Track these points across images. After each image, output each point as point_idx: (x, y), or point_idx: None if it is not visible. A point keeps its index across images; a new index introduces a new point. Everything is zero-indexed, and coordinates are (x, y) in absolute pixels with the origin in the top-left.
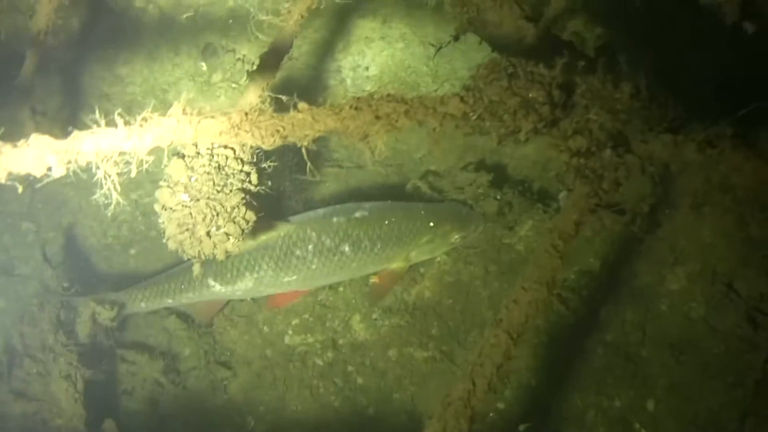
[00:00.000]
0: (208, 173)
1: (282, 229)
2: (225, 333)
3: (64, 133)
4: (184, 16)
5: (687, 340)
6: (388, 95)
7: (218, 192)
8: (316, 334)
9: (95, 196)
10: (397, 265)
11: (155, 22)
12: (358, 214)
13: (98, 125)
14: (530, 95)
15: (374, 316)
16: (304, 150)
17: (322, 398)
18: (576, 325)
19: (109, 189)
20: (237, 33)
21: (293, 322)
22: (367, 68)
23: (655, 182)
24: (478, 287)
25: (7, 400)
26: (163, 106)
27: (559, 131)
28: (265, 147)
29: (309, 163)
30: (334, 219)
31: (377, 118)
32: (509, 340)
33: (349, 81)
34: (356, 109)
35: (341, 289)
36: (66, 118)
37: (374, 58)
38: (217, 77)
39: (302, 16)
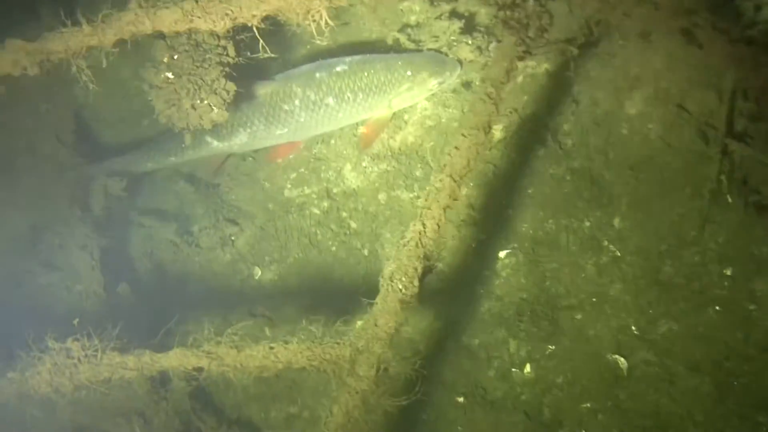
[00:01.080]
0: (188, 51)
1: (269, 87)
2: (231, 191)
3: None
4: None
5: (646, 159)
6: None
7: (198, 67)
8: (312, 186)
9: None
10: (380, 113)
11: None
12: (339, 68)
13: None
14: None
15: (364, 164)
16: (255, 30)
17: (320, 244)
18: (545, 156)
19: (85, 81)
20: None
21: (291, 176)
22: None
23: (583, 25)
24: (455, 128)
25: (36, 271)
26: None
27: None
28: (218, 30)
29: (261, 40)
30: (317, 74)
31: None
32: (453, 183)
33: None
34: None
35: (333, 141)
36: None
37: None
38: None
39: None
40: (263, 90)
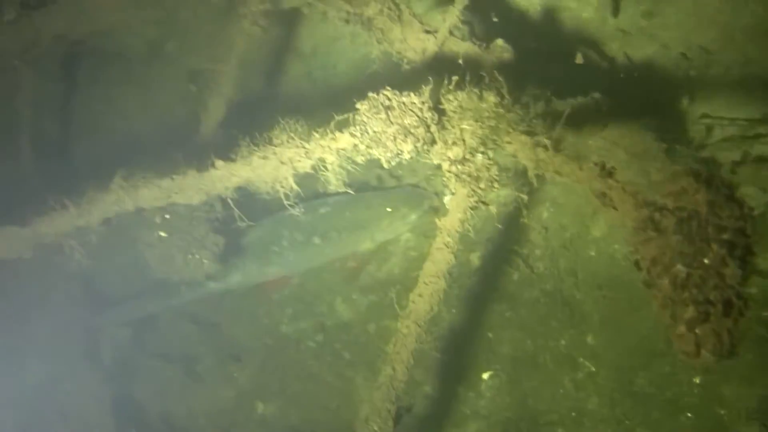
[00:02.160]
0: (178, 210)
1: (258, 230)
2: (232, 329)
3: None
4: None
5: (613, 278)
6: (292, 138)
7: (188, 224)
8: (307, 320)
9: None
10: (365, 246)
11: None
12: (322, 210)
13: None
14: (405, 122)
15: (354, 296)
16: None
17: (317, 376)
18: (520, 280)
19: (78, 259)
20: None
21: (287, 312)
22: None
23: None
24: None
25: (52, 420)
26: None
27: (441, 143)
28: (194, 203)
29: (236, 210)
30: (302, 218)
31: (282, 163)
32: (418, 328)
33: None
34: (264, 158)
35: (324, 275)
36: None
37: None
38: None
39: None
40: (253, 234)
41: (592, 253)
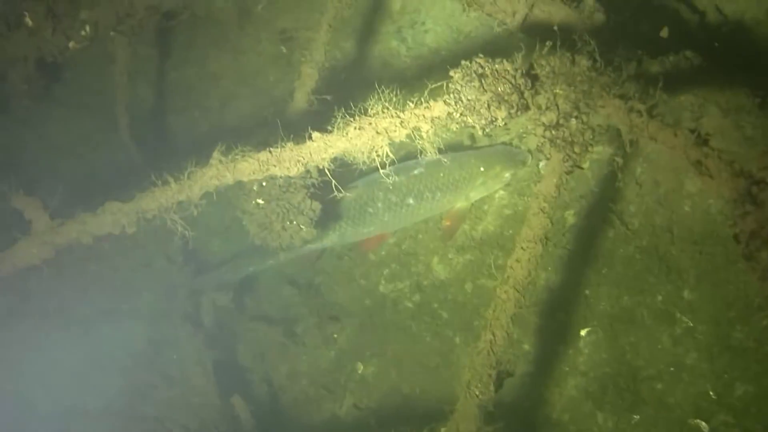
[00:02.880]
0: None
1: (353, 191)
2: (330, 290)
3: None
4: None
5: (709, 233)
6: (387, 108)
7: (285, 192)
8: (404, 280)
9: None
10: (460, 204)
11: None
12: (416, 172)
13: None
14: (499, 89)
15: (450, 255)
16: (327, 172)
17: (415, 336)
18: (615, 237)
19: (181, 232)
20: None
21: (384, 272)
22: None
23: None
24: None
25: (158, 384)
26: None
27: (535, 109)
28: (292, 175)
29: (333, 181)
30: (396, 178)
31: (378, 133)
32: (517, 294)
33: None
34: (360, 128)
35: (420, 236)
36: None
37: None
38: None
39: None
40: (349, 195)
41: (687, 209)
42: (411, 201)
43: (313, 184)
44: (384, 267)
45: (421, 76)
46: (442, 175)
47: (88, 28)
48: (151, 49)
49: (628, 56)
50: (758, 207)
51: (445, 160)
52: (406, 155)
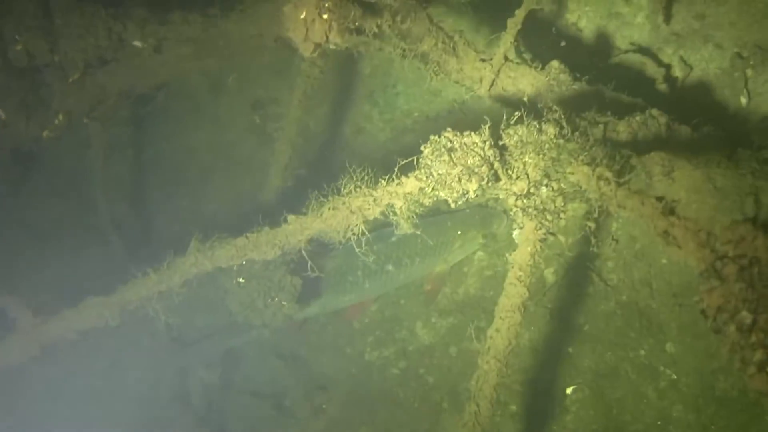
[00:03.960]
0: None
1: (333, 262)
2: (317, 361)
3: None
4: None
5: (687, 285)
6: (360, 187)
7: (265, 269)
8: (389, 347)
9: None
10: (439, 268)
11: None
12: (394, 239)
13: None
14: (469, 162)
15: (433, 319)
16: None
17: (403, 403)
18: (595, 293)
19: (164, 321)
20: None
21: (369, 340)
22: None
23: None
24: None
25: None
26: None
27: (506, 180)
28: (269, 258)
29: (309, 262)
30: (374, 247)
31: (352, 212)
32: (499, 364)
33: None
34: (334, 209)
35: (402, 301)
36: None
37: None
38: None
39: None
40: (329, 265)
41: (664, 261)
42: (390, 268)
43: (293, 260)
44: (368, 334)
45: (395, 139)
46: (419, 240)
47: (61, 116)
48: (125, 127)
49: (595, 119)
50: (723, 282)
51: (421, 223)
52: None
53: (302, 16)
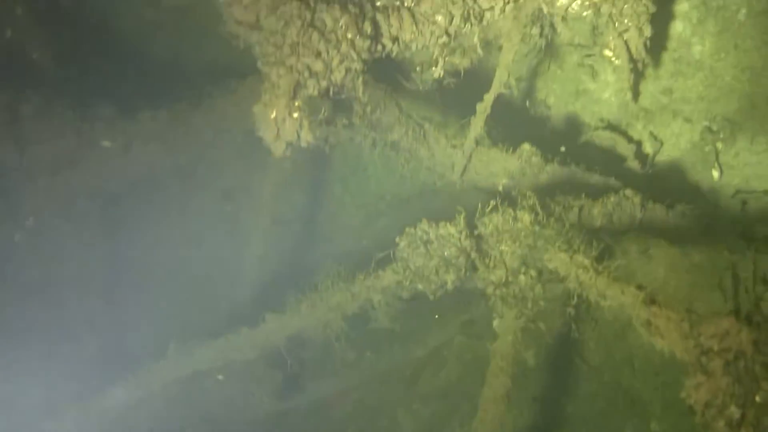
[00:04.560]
0: None
1: (311, 353)
2: None
3: None
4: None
5: (669, 362)
6: (337, 283)
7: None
8: None
9: None
10: (418, 353)
11: None
12: (371, 325)
13: None
14: (445, 254)
15: (414, 406)
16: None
17: None
18: (577, 375)
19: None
20: None
21: (351, 429)
22: None
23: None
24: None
25: None
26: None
27: (484, 269)
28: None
29: (289, 361)
30: (352, 334)
31: (330, 309)
32: None
33: None
34: (312, 306)
35: (383, 387)
36: None
37: None
38: None
39: None
40: (307, 355)
41: (645, 340)
42: (369, 354)
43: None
44: (350, 423)
45: (368, 224)
46: (396, 325)
47: (31, 219)
48: (97, 226)
49: (569, 202)
50: (709, 377)
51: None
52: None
53: (272, 116)
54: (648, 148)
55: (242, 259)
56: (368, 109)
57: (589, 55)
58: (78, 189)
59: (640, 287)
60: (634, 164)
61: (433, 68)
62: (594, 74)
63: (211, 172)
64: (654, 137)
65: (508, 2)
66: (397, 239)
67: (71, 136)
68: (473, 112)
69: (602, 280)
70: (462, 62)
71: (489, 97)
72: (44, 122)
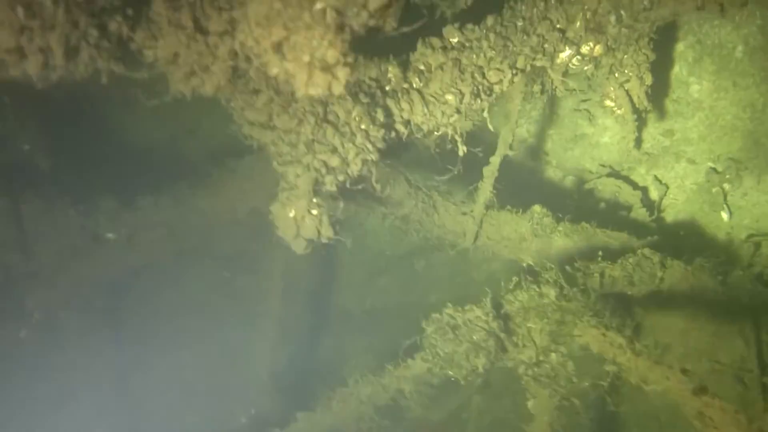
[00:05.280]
0: None
1: None
2: None
3: None
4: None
5: None
6: (365, 375)
7: None
8: None
9: None
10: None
11: None
12: None
13: None
14: (474, 338)
15: None
16: None
17: None
18: None
19: None
20: None
21: None
22: None
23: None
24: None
25: None
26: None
27: (513, 348)
28: None
29: None
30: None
31: (362, 402)
32: None
33: None
34: (343, 401)
35: None
36: None
37: None
38: None
39: None
40: None
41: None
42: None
43: None
44: None
45: (371, 278)
46: None
47: (36, 314)
48: (102, 315)
49: (588, 268)
50: None
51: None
52: None
53: (291, 215)
54: (653, 193)
55: (253, 347)
56: (379, 187)
57: (584, 100)
58: (82, 281)
59: (684, 371)
60: (641, 212)
61: (435, 133)
62: (591, 118)
63: (215, 252)
64: (659, 181)
65: (516, 74)
66: (423, 324)
67: (74, 233)
68: (476, 172)
69: (643, 362)
70: (464, 125)
71: (496, 160)
72: (47, 221)
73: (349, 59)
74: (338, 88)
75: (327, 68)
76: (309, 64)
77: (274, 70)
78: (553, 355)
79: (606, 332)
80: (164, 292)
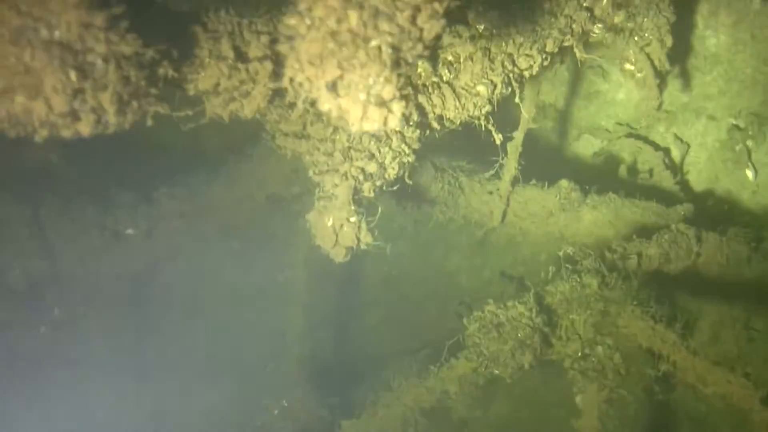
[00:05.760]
0: None
1: None
2: None
3: None
4: None
5: None
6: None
7: None
8: None
9: None
10: None
11: None
12: None
13: None
14: (519, 335)
15: None
16: None
17: None
18: None
19: None
20: None
21: None
22: None
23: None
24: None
25: None
26: None
27: (557, 342)
28: None
29: None
30: None
31: (406, 406)
32: None
33: None
34: (388, 407)
35: None
36: None
37: None
38: None
39: None
40: None
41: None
42: None
43: None
44: None
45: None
46: None
47: (57, 310)
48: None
49: (625, 249)
50: None
51: None
52: None
53: (329, 224)
54: (675, 152)
55: (285, 338)
56: (411, 182)
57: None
58: (103, 276)
59: (748, 376)
60: (664, 175)
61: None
62: (604, 74)
63: (236, 240)
64: (679, 139)
65: (546, 58)
66: (464, 321)
67: (94, 231)
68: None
69: (701, 363)
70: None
71: (519, 135)
72: (66, 223)
73: (404, 92)
74: (394, 122)
75: (383, 104)
76: (364, 102)
77: (325, 106)
78: (599, 347)
79: (655, 326)
80: (187, 283)
